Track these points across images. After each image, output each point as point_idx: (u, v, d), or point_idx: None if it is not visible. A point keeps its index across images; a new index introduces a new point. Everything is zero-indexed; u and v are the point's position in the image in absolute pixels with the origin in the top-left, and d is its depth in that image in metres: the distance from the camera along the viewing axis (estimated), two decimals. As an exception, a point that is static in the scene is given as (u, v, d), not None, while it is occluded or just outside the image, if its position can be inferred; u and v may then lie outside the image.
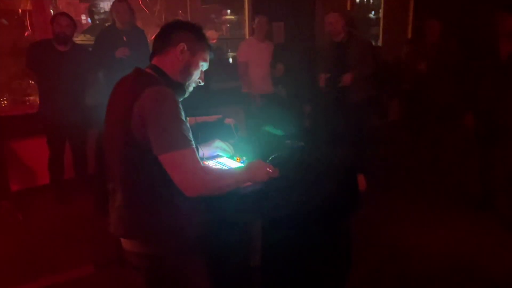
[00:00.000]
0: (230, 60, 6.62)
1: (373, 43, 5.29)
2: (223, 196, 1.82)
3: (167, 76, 1.55)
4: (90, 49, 4.16)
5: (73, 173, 4.17)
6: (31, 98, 4.57)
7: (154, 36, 1.72)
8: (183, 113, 1.46)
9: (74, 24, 3.81)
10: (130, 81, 1.51)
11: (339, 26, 3.74)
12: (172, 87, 1.52)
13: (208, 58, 1.66)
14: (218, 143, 2.08)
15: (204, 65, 1.65)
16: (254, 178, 1.69)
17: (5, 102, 4.54)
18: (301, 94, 4.73)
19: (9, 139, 4.08)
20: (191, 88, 1.66)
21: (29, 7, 4.30)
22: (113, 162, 1.53)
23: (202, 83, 1.69)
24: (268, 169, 1.73)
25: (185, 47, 1.56)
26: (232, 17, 7.36)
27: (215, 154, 2.11)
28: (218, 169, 1.78)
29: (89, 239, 3.32)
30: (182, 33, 1.58)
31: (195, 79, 1.65)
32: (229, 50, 6.76)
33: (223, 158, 2.09)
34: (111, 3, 4.09)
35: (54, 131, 3.90)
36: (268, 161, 2.08)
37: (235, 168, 1.84)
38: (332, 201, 2.25)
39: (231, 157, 2.08)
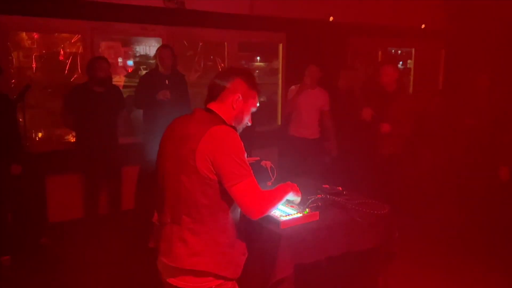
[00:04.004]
0: (258, 104, 6.81)
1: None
2: (261, 236, 1.86)
3: (223, 120, 1.67)
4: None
5: (107, 209, 4.27)
6: (69, 135, 4.76)
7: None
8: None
9: (110, 66, 4.06)
10: (195, 121, 1.62)
11: (394, 78, 3.87)
12: None
13: (258, 103, 1.80)
14: None
15: (254, 109, 1.79)
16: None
17: (43, 138, 4.74)
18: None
19: (47, 173, 4.24)
20: (241, 129, 1.78)
21: (80, 50, 4.59)
22: (172, 197, 1.62)
23: (250, 124, 1.82)
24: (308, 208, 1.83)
25: (240, 97, 1.69)
26: (262, 64, 7.65)
27: None
28: (268, 191, 1.84)
29: (119, 277, 3.35)
30: (236, 82, 1.70)
31: (246, 122, 1.78)
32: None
33: None
34: (147, 47, 4.28)
35: (90, 168, 4.05)
36: (307, 204, 2.12)
37: (277, 190, 1.85)
38: (368, 248, 2.24)
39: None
